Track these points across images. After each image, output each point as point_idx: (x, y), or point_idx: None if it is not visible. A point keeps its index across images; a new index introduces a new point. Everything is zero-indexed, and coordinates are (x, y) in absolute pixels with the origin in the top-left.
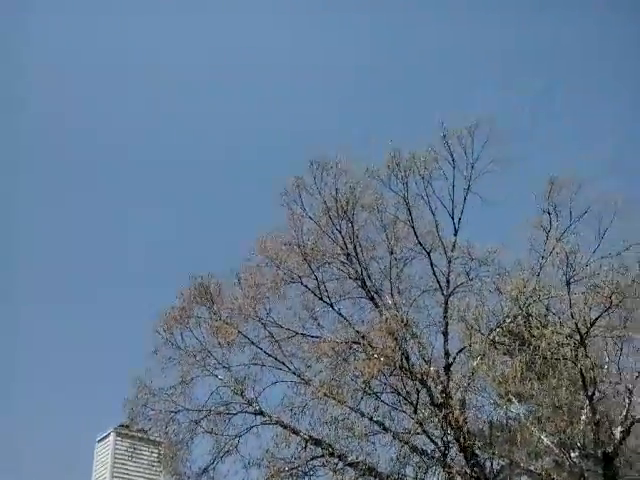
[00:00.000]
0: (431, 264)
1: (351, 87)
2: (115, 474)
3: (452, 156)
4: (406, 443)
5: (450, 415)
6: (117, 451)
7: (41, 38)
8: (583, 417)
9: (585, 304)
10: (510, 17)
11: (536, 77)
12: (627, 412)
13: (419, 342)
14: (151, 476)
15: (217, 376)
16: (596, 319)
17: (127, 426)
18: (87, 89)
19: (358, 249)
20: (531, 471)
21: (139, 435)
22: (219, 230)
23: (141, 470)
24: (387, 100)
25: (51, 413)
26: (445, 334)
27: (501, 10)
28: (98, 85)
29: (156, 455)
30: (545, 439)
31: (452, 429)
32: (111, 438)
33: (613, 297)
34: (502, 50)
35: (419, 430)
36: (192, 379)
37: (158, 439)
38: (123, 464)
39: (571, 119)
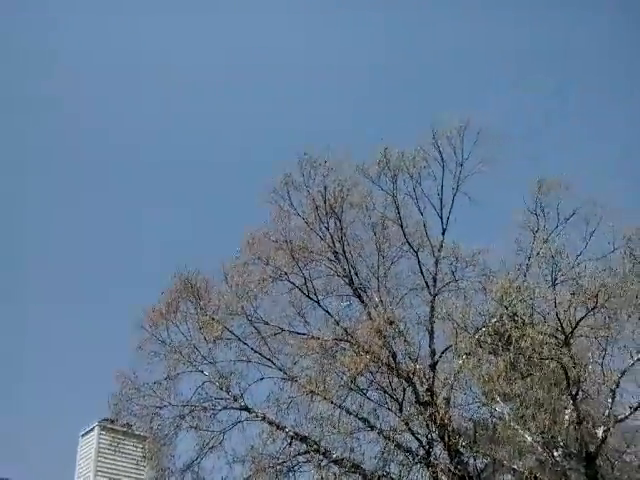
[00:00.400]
0: (418, 263)
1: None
2: (99, 468)
3: (441, 156)
4: (391, 440)
5: (435, 413)
6: (101, 445)
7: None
8: (566, 416)
9: (570, 304)
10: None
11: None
12: (610, 412)
13: (405, 340)
14: (135, 471)
15: (202, 372)
16: (581, 319)
17: (111, 420)
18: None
19: (346, 247)
20: (514, 469)
21: (123, 430)
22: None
23: (125, 465)
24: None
25: (34, 407)
26: (431, 332)
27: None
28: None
29: (140, 450)
30: (529, 438)
31: (437, 427)
32: (95, 432)
33: (598, 297)
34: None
35: (404, 428)
36: (177, 374)
37: (142, 434)
38: (107, 458)
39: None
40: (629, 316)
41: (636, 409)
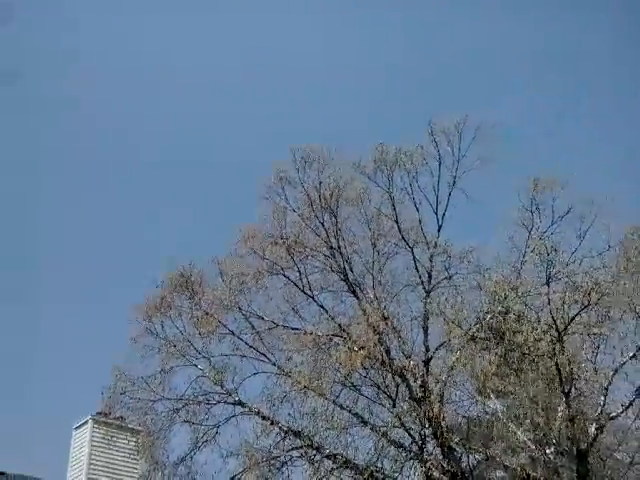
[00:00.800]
0: (414, 259)
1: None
2: (92, 461)
3: (439, 152)
4: (384, 436)
5: (428, 410)
6: (94, 439)
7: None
8: (559, 414)
9: (563, 302)
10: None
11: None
12: (602, 410)
13: (399, 336)
14: (128, 464)
15: (197, 366)
16: (574, 316)
17: (105, 414)
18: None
19: (341, 242)
20: (507, 466)
21: (117, 423)
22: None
23: (118, 458)
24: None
25: (28, 401)
26: (425, 329)
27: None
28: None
29: (134, 443)
30: (521, 435)
31: (430, 423)
32: (88, 426)
33: (592, 295)
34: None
35: (397, 424)
36: (172, 368)
37: (136, 428)
38: (100, 452)
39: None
40: (622, 314)
41: (628, 407)
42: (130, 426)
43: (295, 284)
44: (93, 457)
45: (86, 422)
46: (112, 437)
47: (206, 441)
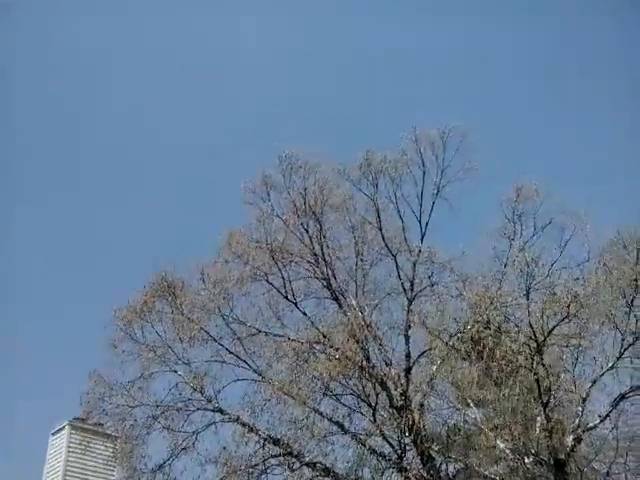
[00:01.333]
0: (397, 267)
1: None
2: (68, 467)
3: (423, 160)
4: (364, 445)
5: (409, 418)
6: (71, 444)
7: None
8: (538, 424)
9: (543, 313)
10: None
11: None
12: (580, 420)
13: (381, 344)
14: (105, 471)
15: (177, 372)
16: (553, 328)
17: (82, 419)
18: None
19: (325, 249)
20: (486, 475)
21: (94, 429)
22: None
23: (95, 464)
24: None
25: (4, 405)
26: (407, 337)
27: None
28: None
29: (111, 450)
30: (501, 444)
31: (410, 432)
32: (66, 431)
33: (571, 307)
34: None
35: (377, 432)
36: (151, 374)
37: (114, 434)
38: (77, 458)
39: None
40: (601, 326)
41: (605, 418)
42: (108, 432)
43: (278, 290)
44: (70, 463)
45: (63, 428)
46: (89, 443)
47: (185, 448)
